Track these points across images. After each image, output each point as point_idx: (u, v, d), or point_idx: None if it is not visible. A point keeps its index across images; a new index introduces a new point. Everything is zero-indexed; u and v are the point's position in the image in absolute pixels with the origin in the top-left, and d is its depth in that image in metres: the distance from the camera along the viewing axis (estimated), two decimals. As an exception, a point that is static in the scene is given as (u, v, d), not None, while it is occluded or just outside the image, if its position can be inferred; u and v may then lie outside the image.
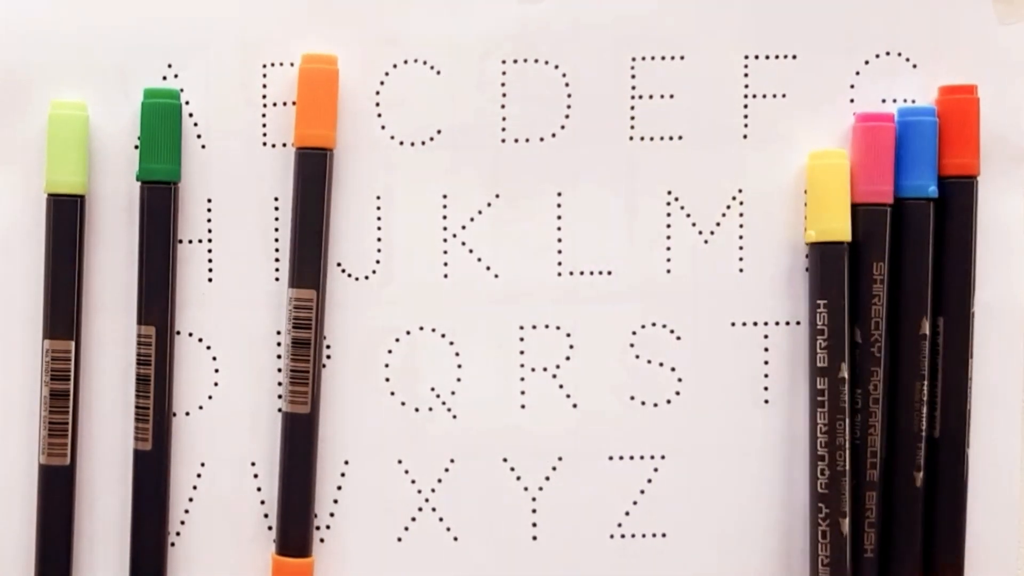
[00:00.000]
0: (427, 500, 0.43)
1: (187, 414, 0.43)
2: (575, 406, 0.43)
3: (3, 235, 0.42)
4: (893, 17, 0.43)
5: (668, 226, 0.43)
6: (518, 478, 0.43)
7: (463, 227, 0.43)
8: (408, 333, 0.43)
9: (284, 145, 0.43)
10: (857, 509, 0.42)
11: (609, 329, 0.43)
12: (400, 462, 0.43)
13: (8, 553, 0.42)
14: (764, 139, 0.43)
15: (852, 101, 0.43)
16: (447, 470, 0.43)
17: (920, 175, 0.42)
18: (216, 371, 0.43)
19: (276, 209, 0.43)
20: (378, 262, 0.43)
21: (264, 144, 0.43)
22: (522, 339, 0.43)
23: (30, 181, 0.42)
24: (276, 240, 0.43)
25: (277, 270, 0.43)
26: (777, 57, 0.43)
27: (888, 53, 0.43)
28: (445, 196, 0.43)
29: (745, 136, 0.43)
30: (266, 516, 0.43)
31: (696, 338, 0.43)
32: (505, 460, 0.43)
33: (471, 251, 0.43)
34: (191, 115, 0.43)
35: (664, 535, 0.43)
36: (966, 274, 0.42)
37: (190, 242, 0.43)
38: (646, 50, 0.43)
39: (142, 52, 0.43)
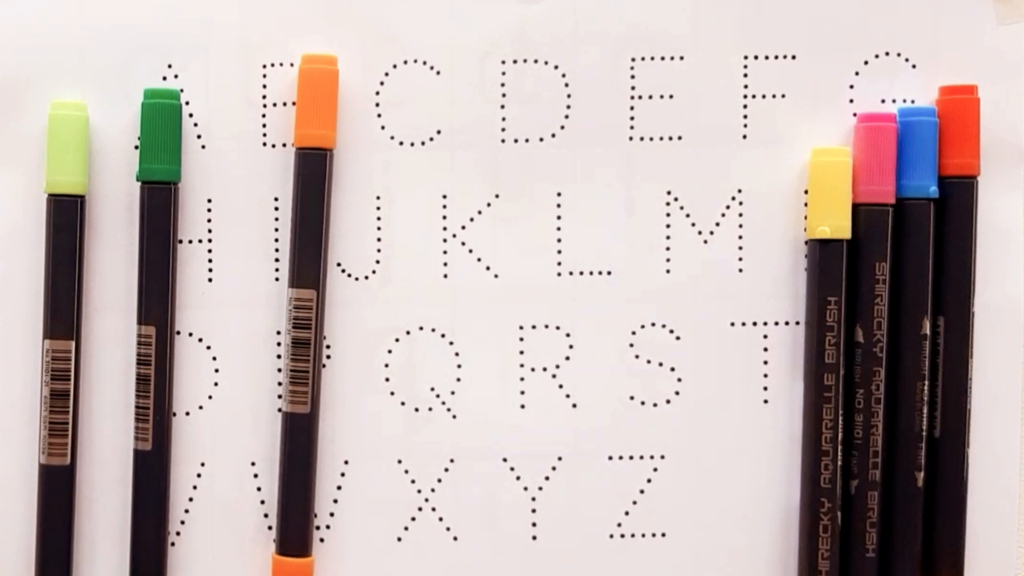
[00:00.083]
0: (427, 500, 0.43)
1: (187, 414, 0.43)
2: (575, 406, 0.43)
3: (3, 235, 0.42)
4: (893, 17, 0.43)
5: (668, 226, 0.43)
6: (518, 478, 0.43)
7: (463, 227, 0.43)
8: (408, 333, 0.43)
9: (284, 145, 0.43)
10: (859, 508, 0.42)
11: (609, 329, 0.43)
12: (400, 462, 0.43)
13: (8, 553, 0.42)
14: (764, 139, 0.43)
15: (852, 101, 0.43)
16: (447, 470, 0.43)
17: (921, 175, 0.42)
18: (216, 371, 0.43)
19: (276, 209, 0.43)
20: (378, 262, 0.43)
21: (264, 144, 0.43)
22: (522, 339, 0.43)
23: (30, 181, 0.42)
24: (276, 240, 0.43)
25: (277, 270, 0.43)
26: (777, 57, 0.43)
27: (888, 53, 0.43)
28: (445, 196, 0.43)
29: (745, 136, 0.43)
30: (266, 516, 0.43)
31: (696, 338, 0.43)
32: (505, 460, 0.43)
33: (471, 251, 0.43)
34: (191, 115, 0.43)
35: (664, 535, 0.43)
36: (966, 274, 0.42)
37: (190, 242, 0.43)
38: (646, 50, 0.43)
39: (142, 52, 0.43)
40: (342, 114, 0.43)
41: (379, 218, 0.43)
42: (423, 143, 0.43)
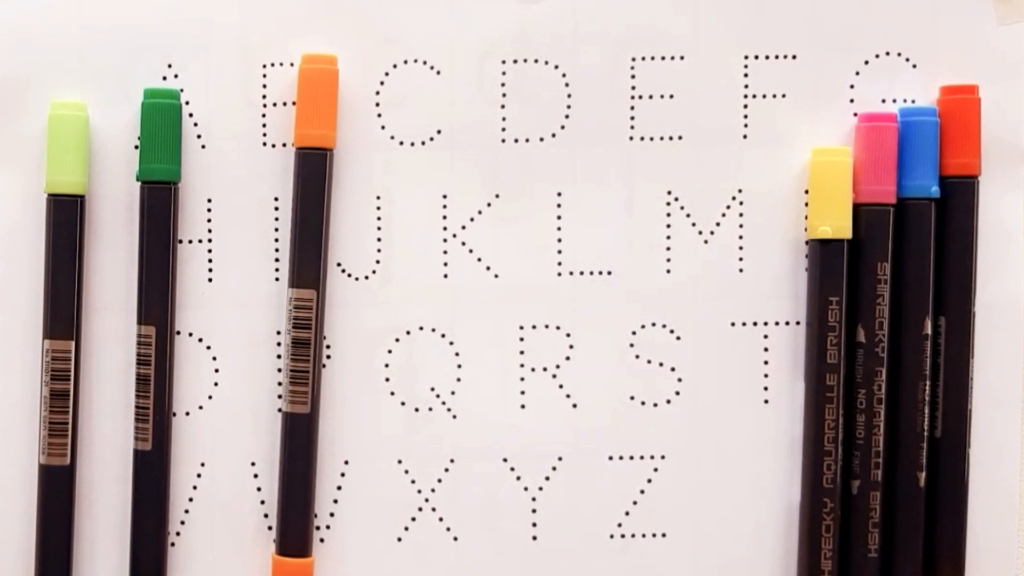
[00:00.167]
0: (427, 500, 0.43)
1: (187, 414, 0.43)
2: (575, 406, 0.43)
3: (3, 235, 0.42)
4: (893, 17, 0.43)
5: (668, 226, 0.43)
6: (518, 478, 0.43)
7: (463, 227, 0.43)
8: (408, 333, 0.43)
9: (284, 145, 0.43)
10: (860, 508, 0.42)
11: (609, 329, 0.43)
12: (400, 462, 0.43)
13: (8, 553, 0.42)
14: (764, 139, 0.43)
15: (852, 101, 0.43)
16: (447, 470, 0.43)
17: (922, 175, 0.42)
18: (216, 371, 0.43)
19: (276, 209, 0.43)
20: (378, 262, 0.43)
21: (264, 144, 0.43)
22: (522, 339, 0.43)
23: (30, 181, 0.42)
24: (276, 240, 0.43)
25: (277, 270, 0.43)
26: (777, 57, 0.43)
27: (888, 53, 0.43)
28: (445, 196, 0.43)
29: (745, 136, 0.43)
30: (266, 516, 0.43)
31: (696, 338, 0.43)
32: (505, 460, 0.43)
33: (471, 251, 0.43)
34: (191, 115, 0.43)
35: (664, 535, 0.43)
36: (967, 274, 0.42)
37: (190, 242, 0.43)
38: (646, 50, 0.43)
39: (142, 52, 0.43)
40: (342, 114, 0.43)
41: (379, 218, 0.43)
42: (423, 143, 0.43)
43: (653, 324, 0.43)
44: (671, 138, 0.43)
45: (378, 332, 0.43)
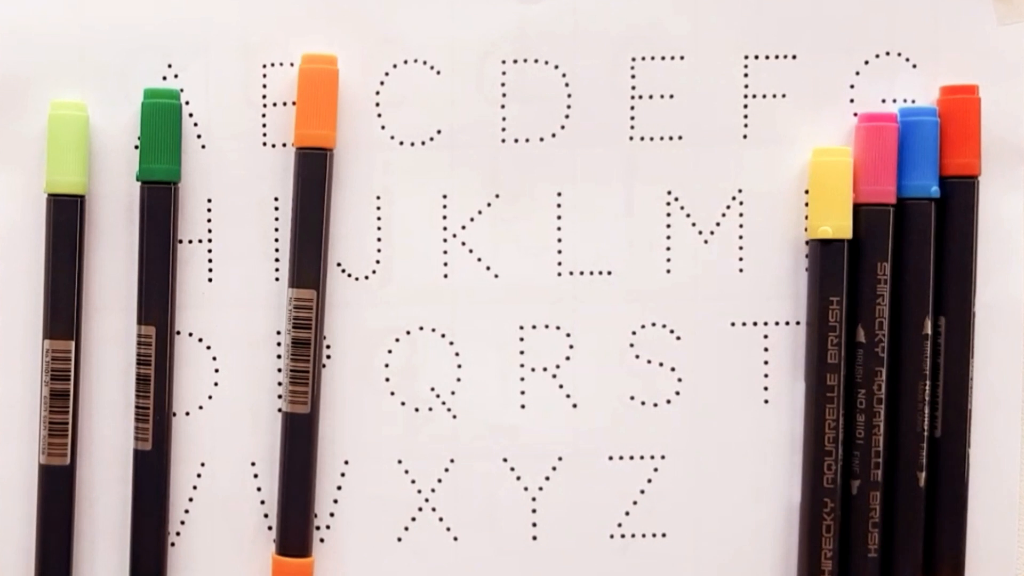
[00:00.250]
0: (427, 500, 0.43)
1: (187, 414, 0.43)
2: (575, 406, 0.43)
3: (3, 235, 0.42)
4: (893, 17, 0.43)
5: (668, 226, 0.43)
6: (518, 478, 0.43)
7: (463, 227, 0.43)
8: (408, 333, 0.43)
9: (284, 145, 0.43)
10: (860, 508, 0.42)
11: (609, 329, 0.43)
12: (400, 462, 0.43)
13: (8, 553, 0.42)
14: (764, 139, 0.43)
15: (852, 101, 0.43)
16: (447, 470, 0.43)
17: (922, 175, 0.42)
18: (216, 371, 0.43)
19: (276, 209, 0.43)
20: (378, 262, 0.43)
21: (264, 144, 0.43)
22: (522, 339, 0.43)
23: (30, 181, 0.42)
24: (276, 240, 0.43)
25: (277, 270, 0.43)
26: (777, 57, 0.43)
27: (888, 53, 0.43)
28: (445, 196, 0.43)
29: (745, 136, 0.43)
30: (266, 516, 0.43)
31: (696, 338, 0.43)
32: (505, 460, 0.43)
33: (471, 251, 0.43)
34: (191, 115, 0.43)
35: (664, 535, 0.43)
36: (967, 274, 0.42)
37: (190, 242, 0.43)
38: (646, 50, 0.43)
39: (142, 52, 0.43)
40: (342, 114, 0.43)
41: (379, 218, 0.43)
42: (423, 143, 0.43)
43: (653, 324, 0.43)
44: (671, 138, 0.43)
45: (378, 332, 0.43)
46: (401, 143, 0.43)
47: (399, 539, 0.43)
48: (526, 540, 0.43)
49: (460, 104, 0.43)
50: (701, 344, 0.43)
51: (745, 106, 0.43)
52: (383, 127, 0.43)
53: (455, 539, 0.43)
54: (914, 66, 0.43)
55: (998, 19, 0.43)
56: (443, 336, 0.43)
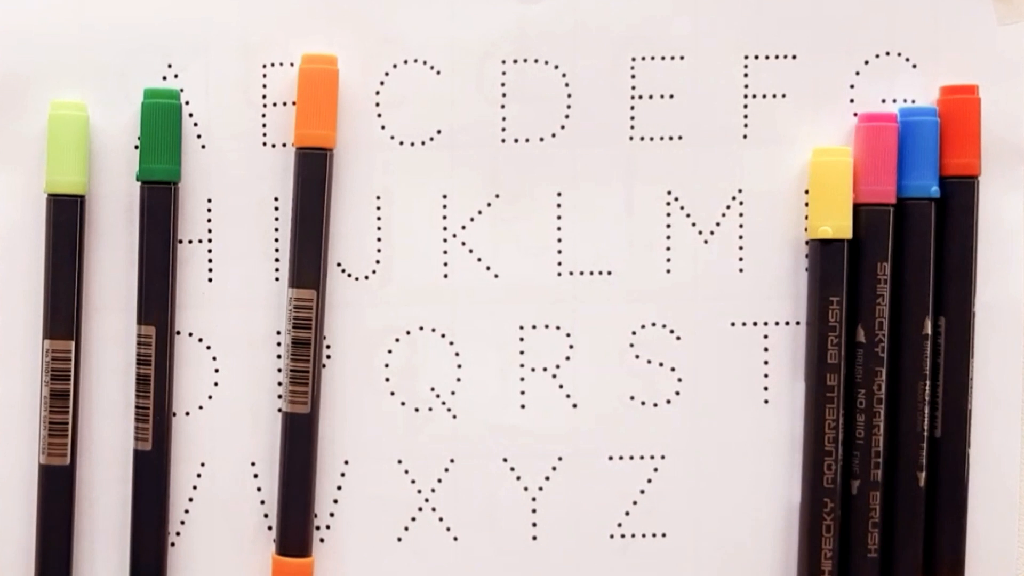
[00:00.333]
0: (427, 500, 0.43)
1: (187, 414, 0.43)
2: (575, 406, 0.43)
3: (3, 235, 0.42)
4: (893, 17, 0.43)
5: (668, 226, 0.43)
6: (518, 478, 0.43)
7: (463, 227, 0.43)
8: (408, 333, 0.43)
9: (284, 145, 0.43)
10: (860, 508, 0.42)
11: (609, 329, 0.43)
12: (400, 462, 0.43)
13: (8, 553, 0.42)
14: (764, 139, 0.43)
15: (852, 101, 0.43)
16: (447, 470, 0.43)
17: (922, 175, 0.42)
18: (216, 371, 0.43)
19: (276, 209, 0.43)
20: (378, 262, 0.43)
21: (264, 144, 0.43)
22: (522, 339, 0.43)
23: (30, 181, 0.42)
24: (276, 240, 0.43)
25: (277, 270, 0.43)
26: (777, 57, 0.43)
27: (888, 53, 0.43)
28: (445, 196, 0.43)
29: (745, 136, 0.43)
30: (266, 516, 0.43)
31: (696, 338, 0.43)
32: (505, 460, 0.43)
33: (471, 251, 0.43)
34: (191, 115, 0.43)
35: (664, 535, 0.43)
36: (967, 274, 0.42)
37: (190, 242, 0.43)
38: (646, 50, 0.43)
39: (142, 52, 0.43)
40: (342, 114, 0.43)
41: (379, 218, 0.43)
42: (423, 143, 0.43)
43: (653, 324, 0.43)
44: (671, 138, 0.43)
45: (378, 332, 0.43)
46: (401, 143, 0.43)
47: (399, 539, 0.43)
48: (526, 540, 0.43)
49: (460, 104, 0.43)
50: (701, 344, 0.43)
51: (745, 106, 0.43)
52: (383, 127, 0.43)
53: (455, 539, 0.43)
54: (914, 66, 0.43)
55: (998, 19, 0.43)
56: (443, 336, 0.43)
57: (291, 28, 0.43)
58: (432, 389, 0.43)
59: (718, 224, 0.43)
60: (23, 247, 0.42)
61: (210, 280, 0.43)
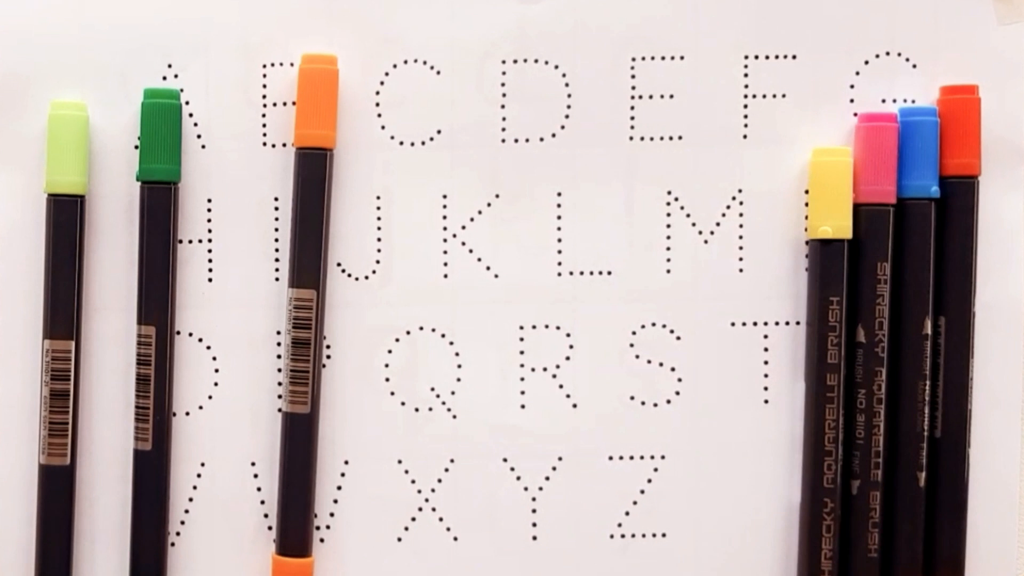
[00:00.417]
0: (427, 500, 0.43)
1: (187, 414, 0.43)
2: (575, 406, 0.43)
3: (3, 235, 0.42)
4: (893, 17, 0.43)
5: (668, 226, 0.43)
6: (518, 478, 0.43)
7: (463, 227, 0.43)
8: (408, 333, 0.43)
9: (284, 145, 0.43)
10: (860, 508, 0.42)
11: (609, 329, 0.43)
12: (400, 462, 0.43)
13: (8, 553, 0.42)
14: (764, 139, 0.43)
15: (852, 101, 0.43)
16: (447, 470, 0.43)
17: (922, 175, 0.42)
18: (216, 371, 0.43)
19: (276, 209, 0.43)
20: (378, 262, 0.43)
21: (264, 144, 0.43)
22: (522, 339, 0.43)
23: (30, 181, 0.42)
24: (276, 240, 0.43)
25: (277, 270, 0.43)
26: (777, 57, 0.43)
27: (888, 53, 0.43)
28: (445, 196, 0.43)
29: (745, 136, 0.43)
30: (266, 516, 0.43)
31: (696, 338, 0.43)
32: (505, 460, 0.43)
33: (471, 251, 0.43)
34: (191, 115, 0.43)
35: (664, 535, 0.43)
36: (967, 274, 0.42)
37: (190, 242, 0.43)
38: (646, 50, 0.43)
39: (142, 52, 0.43)
40: (342, 114, 0.43)
41: (379, 218, 0.43)
42: (423, 143, 0.43)
43: (653, 324, 0.43)
44: (671, 138, 0.43)
45: (378, 332, 0.43)
46: (401, 143, 0.43)
47: (399, 539, 0.43)
48: (526, 540, 0.43)
49: (460, 104, 0.43)
50: (701, 344, 0.43)
51: (745, 106, 0.43)
52: (383, 127, 0.43)
53: (455, 539, 0.43)
54: (914, 66, 0.43)
55: (998, 19, 0.43)
56: (443, 336, 0.43)
57: (291, 28, 0.43)
58: (432, 389, 0.43)
59: (718, 224, 0.43)
60: (23, 247, 0.42)
61: (210, 280, 0.43)
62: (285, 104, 0.43)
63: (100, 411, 0.42)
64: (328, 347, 0.43)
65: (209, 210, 0.43)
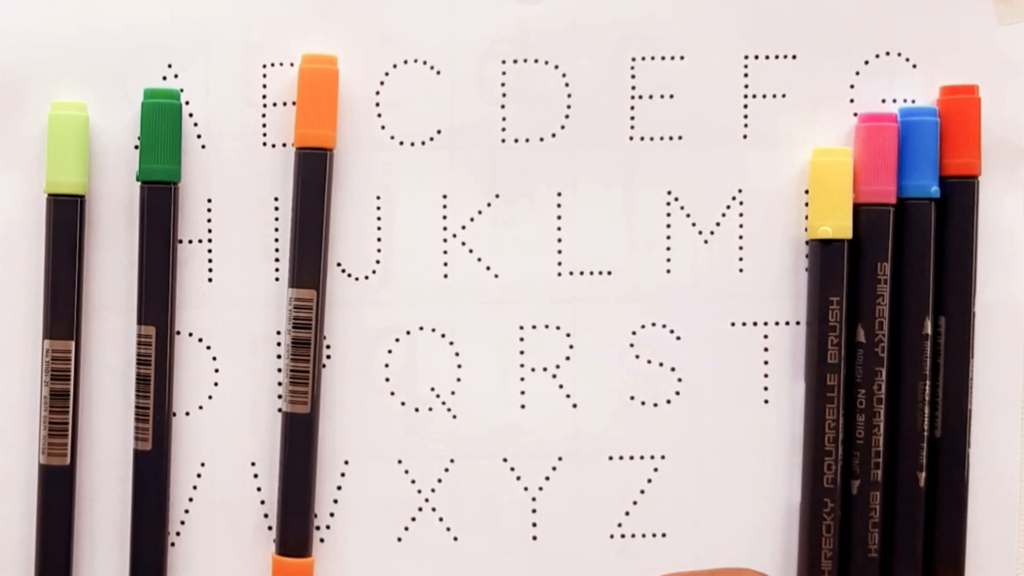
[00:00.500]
0: (427, 500, 0.43)
1: (187, 414, 0.43)
2: (575, 406, 0.43)
3: (3, 235, 0.42)
4: (893, 17, 0.43)
5: (668, 226, 0.43)
6: (518, 478, 0.43)
7: (463, 227, 0.43)
8: (408, 333, 0.43)
9: (284, 145, 0.43)
10: (860, 508, 0.42)
11: (609, 329, 0.43)
12: (400, 462, 0.43)
13: (8, 553, 0.42)
14: (764, 139, 0.43)
15: (852, 101, 0.43)
16: (447, 470, 0.43)
17: (922, 175, 0.42)
18: (216, 371, 0.43)
19: (276, 209, 0.43)
20: (378, 262, 0.43)
21: (264, 144, 0.43)
22: (522, 339, 0.43)
23: (30, 181, 0.42)
24: (276, 240, 0.43)
25: (277, 270, 0.43)
26: (777, 57, 0.43)
27: (888, 53, 0.43)
28: (445, 196, 0.43)
29: (745, 136, 0.43)
30: (266, 516, 0.43)
31: (696, 338, 0.43)
32: (505, 460, 0.43)
33: (471, 251, 0.43)
34: (191, 115, 0.43)
35: (664, 535, 0.43)
36: (967, 274, 0.42)
37: (190, 242, 0.43)
38: (646, 50, 0.43)
39: (142, 52, 0.43)
40: (342, 114, 0.43)
41: (379, 218, 0.43)
42: (423, 143, 0.43)
43: (653, 324, 0.43)
44: (671, 138, 0.43)
45: (378, 332, 0.43)
46: (401, 143, 0.43)
47: (399, 539, 0.43)
48: (526, 540, 0.43)
49: (460, 104, 0.43)
50: (701, 344, 0.43)
51: (745, 106, 0.43)
52: (383, 127, 0.43)
53: (455, 539, 0.43)
54: (914, 66, 0.43)
55: (998, 19, 0.43)
56: (443, 336, 0.43)
57: (291, 28, 0.43)
58: (432, 389, 0.43)
59: (718, 224, 0.43)
60: (23, 247, 0.42)
61: (210, 280, 0.43)
62: (285, 104, 0.43)
63: (100, 411, 0.42)
64: (328, 347, 0.43)
65: (209, 210, 0.43)
